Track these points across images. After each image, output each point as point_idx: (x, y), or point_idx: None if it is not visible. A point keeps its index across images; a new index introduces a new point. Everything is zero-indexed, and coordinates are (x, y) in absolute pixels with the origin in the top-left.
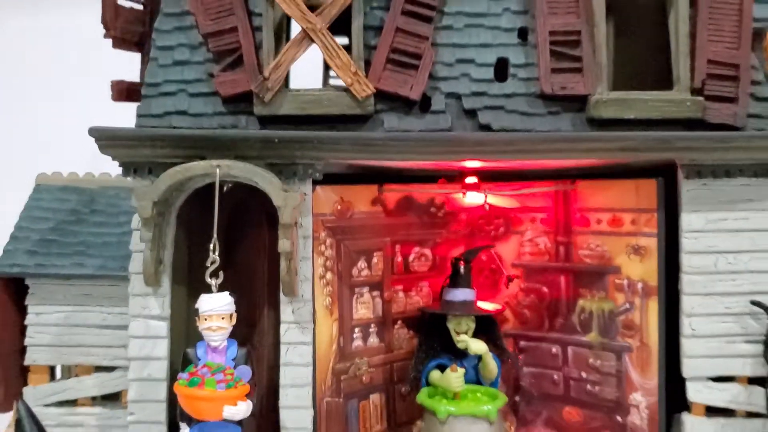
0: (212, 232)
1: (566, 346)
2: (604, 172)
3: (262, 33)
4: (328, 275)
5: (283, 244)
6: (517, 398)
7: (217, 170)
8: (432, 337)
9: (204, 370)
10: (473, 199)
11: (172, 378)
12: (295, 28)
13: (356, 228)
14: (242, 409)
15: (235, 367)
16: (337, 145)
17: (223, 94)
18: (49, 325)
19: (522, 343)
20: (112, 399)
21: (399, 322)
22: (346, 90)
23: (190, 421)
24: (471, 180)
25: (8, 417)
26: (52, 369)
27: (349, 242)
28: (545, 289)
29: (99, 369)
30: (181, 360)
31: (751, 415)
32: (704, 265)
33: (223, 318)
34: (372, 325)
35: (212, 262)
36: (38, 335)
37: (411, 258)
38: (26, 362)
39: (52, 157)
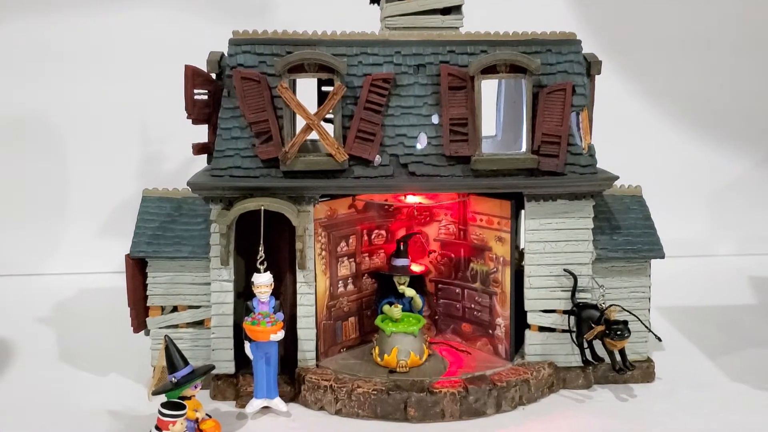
0: (260, 241)
1: (464, 289)
2: (484, 192)
3: (283, 120)
4: (323, 253)
5: (298, 244)
6: (436, 317)
7: (262, 208)
8: (384, 285)
9: (259, 316)
10: (411, 200)
11: (235, 312)
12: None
13: (339, 223)
14: (280, 335)
15: (274, 313)
16: (326, 188)
17: (261, 158)
18: (159, 284)
19: (440, 285)
20: (199, 324)
21: (366, 275)
22: (331, 155)
23: (250, 340)
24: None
25: (140, 336)
26: (162, 308)
27: (335, 232)
28: (453, 255)
29: (190, 307)
30: (243, 307)
31: (563, 331)
32: (537, 248)
33: (267, 286)
34: (349, 278)
35: (261, 256)
36: (154, 289)
37: (373, 236)
38: (147, 304)
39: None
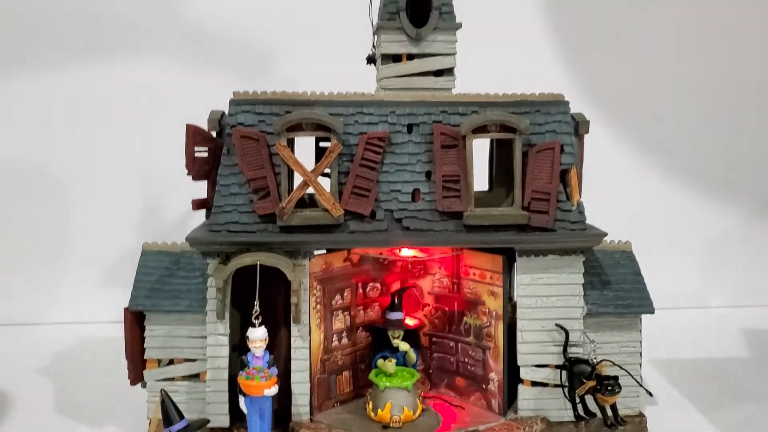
0: (255, 295)
1: (457, 343)
2: (476, 247)
3: (281, 177)
4: (318, 307)
5: (293, 298)
6: (430, 370)
7: (258, 263)
8: (379, 339)
9: (253, 371)
10: (405, 253)
11: (230, 366)
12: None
13: (334, 277)
14: (274, 390)
15: (269, 368)
16: (322, 242)
17: (259, 213)
18: (157, 337)
19: (434, 339)
20: (195, 377)
21: (360, 328)
22: (326, 211)
23: (245, 394)
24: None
25: (137, 388)
26: (159, 360)
27: (329, 286)
28: (447, 309)
29: (187, 360)
30: (237, 360)
31: (556, 386)
32: (529, 303)
33: (262, 341)
34: (344, 332)
35: (256, 311)
36: (151, 341)
37: (368, 289)
38: (145, 356)
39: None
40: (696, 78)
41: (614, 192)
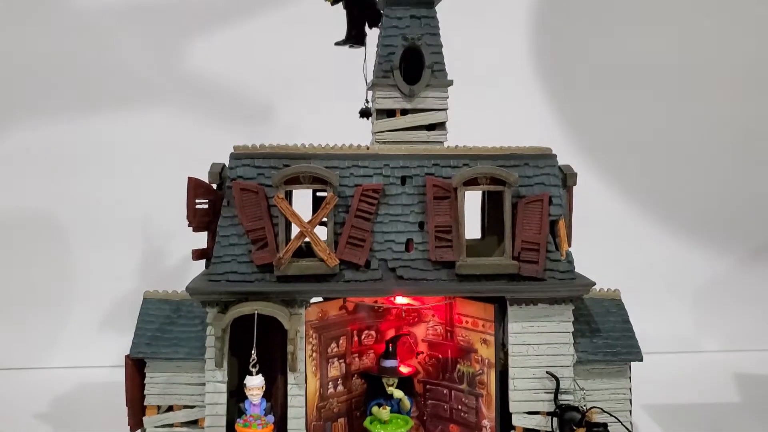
0: (253, 344)
1: (451, 390)
2: (468, 296)
3: (278, 228)
4: (314, 354)
5: (289, 347)
6: (424, 417)
7: (256, 312)
8: (373, 386)
9: (250, 418)
10: (400, 300)
11: (228, 412)
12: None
13: (330, 325)
14: None
15: (265, 415)
16: (318, 291)
17: (257, 264)
18: (157, 384)
19: (428, 386)
20: (193, 424)
21: (356, 375)
22: (322, 260)
23: None
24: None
25: None
26: (158, 407)
27: (325, 334)
28: (440, 356)
29: (185, 407)
30: (235, 407)
31: None
32: (521, 350)
33: (259, 389)
34: (339, 379)
35: (253, 359)
36: (151, 388)
37: (363, 336)
38: (144, 403)
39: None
40: (686, 125)
41: (603, 239)
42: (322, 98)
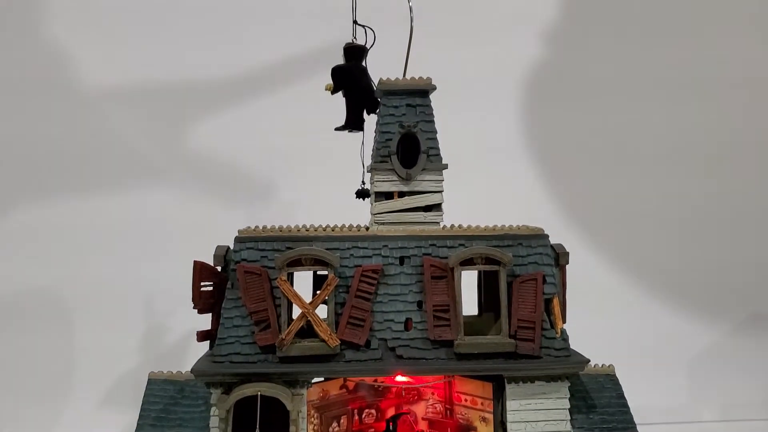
0: (256, 425)
1: None
2: (467, 375)
3: (281, 309)
4: None
5: (292, 428)
6: None
7: (259, 393)
8: None
9: None
10: (400, 378)
11: None
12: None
13: (331, 404)
14: None
15: None
16: (319, 372)
17: (259, 345)
18: None
19: None
20: None
21: None
22: (323, 341)
23: None
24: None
25: None
26: None
27: (326, 413)
28: None
29: None
30: None
31: None
32: (519, 428)
33: None
34: None
35: None
36: None
37: (363, 415)
38: None
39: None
40: (675, 196)
41: (597, 311)
42: (321, 178)
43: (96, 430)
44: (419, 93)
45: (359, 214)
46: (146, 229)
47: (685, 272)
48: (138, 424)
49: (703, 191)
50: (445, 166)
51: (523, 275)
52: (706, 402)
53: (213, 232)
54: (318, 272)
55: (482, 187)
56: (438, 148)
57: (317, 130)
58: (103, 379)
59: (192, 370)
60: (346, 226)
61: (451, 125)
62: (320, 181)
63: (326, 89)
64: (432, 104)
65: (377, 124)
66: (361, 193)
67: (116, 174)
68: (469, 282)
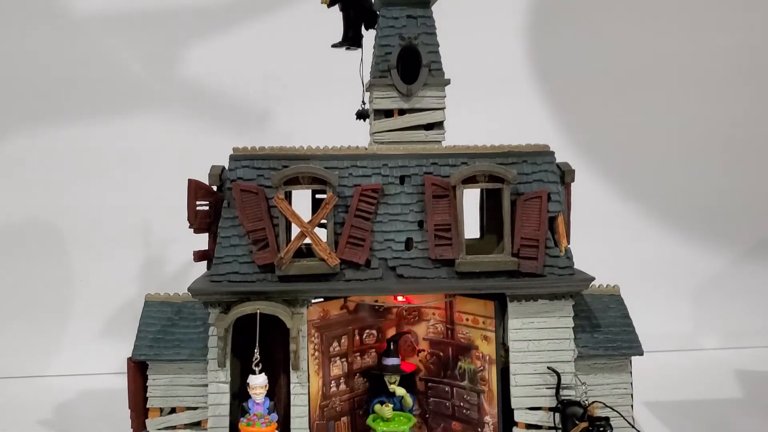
0: (255, 343)
1: (453, 387)
2: (468, 294)
3: (279, 229)
4: (316, 353)
5: (292, 345)
6: (426, 415)
7: (258, 311)
8: (375, 384)
9: (254, 417)
10: (401, 299)
11: (231, 413)
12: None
13: (331, 324)
14: None
15: (269, 414)
16: (319, 291)
17: (258, 264)
18: (159, 386)
19: (429, 384)
20: (196, 426)
21: (358, 374)
22: (324, 260)
23: None
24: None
25: None
26: (161, 409)
27: (327, 333)
28: (441, 354)
29: (188, 409)
30: (238, 408)
31: (550, 428)
32: (521, 346)
33: (262, 387)
34: (341, 378)
35: (256, 358)
36: (154, 391)
37: (364, 335)
38: (147, 405)
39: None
40: (682, 123)
41: (602, 238)
42: (319, 101)
43: (95, 359)
44: (420, 4)
45: (360, 141)
46: (139, 157)
47: (691, 199)
48: (135, 345)
49: (711, 117)
50: (448, 82)
51: (528, 193)
52: (708, 329)
53: (208, 161)
54: (316, 195)
55: (484, 108)
56: (440, 62)
57: (314, 53)
58: (102, 308)
59: (189, 289)
60: (345, 146)
61: (453, 42)
62: (318, 108)
63: (322, 2)
64: (434, 17)
65: (376, 38)
66: (361, 114)
67: (109, 100)
68: (469, 207)
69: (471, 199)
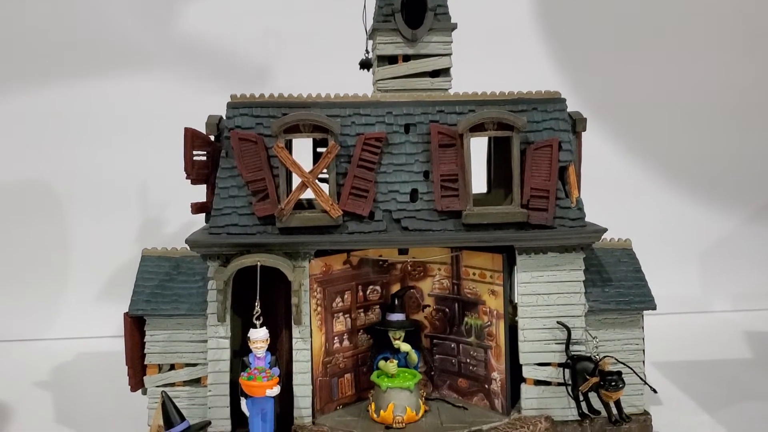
0: (256, 297)
1: (459, 343)
2: (476, 246)
3: (279, 179)
4: (319, 309)
5: (294, 299)
6: (432, 373)
7: (258, 263)
8: (380, 341)
9: (255, 371)
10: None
11: (231, 370)
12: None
13: (334, 279)
14: (276, 390)
15: (270, 368)
16: (321, 243)
17: (258, 215)
18: (157, 342)
19: (435, 341)
20: (196, 383)
21: (361, 331)
22: (326, 211)
23: (246, 396)
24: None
25: (137, 396)
26: (160, 366)
27: (330, 288)
28: (447, 310)
29: (187, 365)
30: (239, 362)
31: (559, 384)
32: (530, 300)
33: (263, 341)
34: (345, 334)
35: (257, 312)
36: (152, 347)
37: (368, 291)
38: (145, 362)
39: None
40: (695, 81)
41: (612, 197)
42: (320, 52)
43: (93, 322)
44: None
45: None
46: (136, 117)
47: (701, 161)
48: (132, 300)
49: (723, 78)
50: (455, 26)
51: (538, 142)
52: (718, 292)
53: (207, 114)
54: (317, 149)
55: (494, 53)
56: (446, 6)
57: (315, 6)
58: (100, 270)
59: (187, 241)
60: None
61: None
62: (320, 58)
63: None
64: None
65: None
66: (365, 63)
67: (105, 60)
68: (476, 161)
69: (478, 153)
